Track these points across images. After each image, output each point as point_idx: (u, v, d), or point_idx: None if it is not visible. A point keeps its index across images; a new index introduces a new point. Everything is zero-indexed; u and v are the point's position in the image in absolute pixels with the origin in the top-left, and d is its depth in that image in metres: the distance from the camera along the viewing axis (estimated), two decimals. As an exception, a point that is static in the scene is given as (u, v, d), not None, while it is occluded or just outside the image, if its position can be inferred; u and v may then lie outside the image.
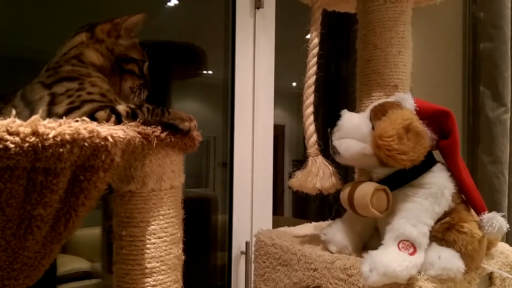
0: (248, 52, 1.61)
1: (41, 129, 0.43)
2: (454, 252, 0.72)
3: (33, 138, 0.43)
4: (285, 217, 2.28)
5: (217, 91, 1.72)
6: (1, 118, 0.43)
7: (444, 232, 0.74)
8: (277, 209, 1.95)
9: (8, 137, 0.41)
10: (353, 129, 0.78)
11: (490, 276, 0.84)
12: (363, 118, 0.80)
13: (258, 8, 1.61)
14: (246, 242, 1.54)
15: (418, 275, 0.70)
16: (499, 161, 1.72)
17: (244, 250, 1.55)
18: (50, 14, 1.28)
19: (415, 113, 0.77)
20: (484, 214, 0.76)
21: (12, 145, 0.41)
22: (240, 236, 1.56)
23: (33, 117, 0.43)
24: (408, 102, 0.78)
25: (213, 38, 1.71)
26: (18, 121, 0.42)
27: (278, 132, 2.05)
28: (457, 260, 0.70)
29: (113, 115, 0.66)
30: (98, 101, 0.70)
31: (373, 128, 0.76)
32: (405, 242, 0.69)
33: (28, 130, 0.42)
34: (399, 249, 0.69)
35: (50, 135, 0.43)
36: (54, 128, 0.44)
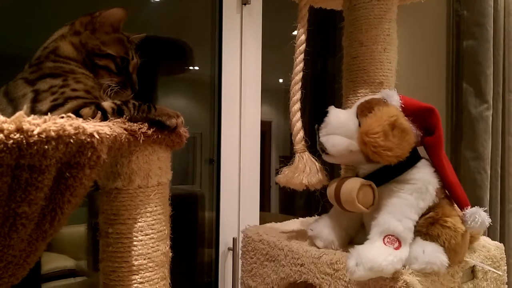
0: (235, 48, 1.60)
1: (26, 126, 0.43)
2: (437, 246, 0.73)
3: (18, 135, 0.42)
4: (272, 213, 2.29)
5: (204, 87, 1.71)
6: None
7: (428, 226, 0.75)
8: (264, 205, 1.96)
9: (-9, 134, 0.40)
10: (340, 126, 0.79)
11: (473, 270, 0.86)
12: (349, 114, 0.80)
13: (245, 4, 1.61)
14: (233, 238, 1.54)
15: (403, 269, 0.71)
16: (481, 157, 1.75)
17: (231, 246, 1.55)
18: (36, 10, 1.26)
19: (400, 110, 0.78)
20: (467, 209, 0.78)
21: (-5, 142, 0.40)
22: (227, 233, 1.57)
23: (17, 114, 0.42)
24: (394, 99, 0.79)
25: (200, 34, 1.71)
26: (2, 118, 0.42)
27: (265, 128, 2.05)
28: (441, 254, 0.72)
29: (98, 112, 0.65)
30: (83, 97, 0.70)
31: (359, 125, 0.77)
32: (390, 236, 0.70)
33: (12, 126, 0.42)
34: (385, 244, 0.70)
35: (35, 132, 0.43)
36: (39, 124, 0.44)
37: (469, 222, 0.76)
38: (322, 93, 2.07)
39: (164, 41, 1.60)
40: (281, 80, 2.28)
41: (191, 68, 1.76)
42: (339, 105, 1.09)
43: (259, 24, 1.66)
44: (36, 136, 0.43)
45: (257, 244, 0.98)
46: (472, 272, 0.86)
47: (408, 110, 0.79)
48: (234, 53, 1.60)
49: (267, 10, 1.69)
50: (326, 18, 1.96)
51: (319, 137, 0.81)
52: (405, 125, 0.73)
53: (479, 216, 0.76)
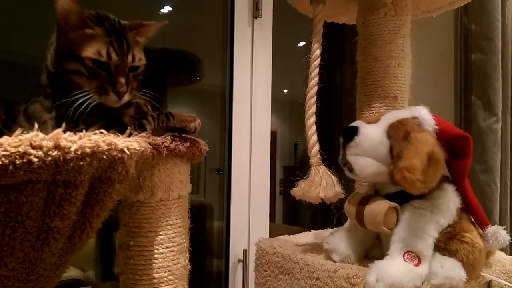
0: (246, 60, 1.62)
1: (63, 143, 0.44)
2: (456, 262, 0.73)
3: (56, 152, 0.43)
4: (276, 224, 2.29)
5: (211, 98, 1.73)
6: (9, 134, 0.43)
7: (446, 241, 0.75)
8: (269, 215, 1.97)
9: (31, 151, 0.41)
10: (371, 148, 0.77)
11: (489, 285, 0.86)
12: (381, 135, 0.77)
13: (256, 17, 1.63)
14: (244, 250, 1.54)
15: (422, 284, 0.71)
16: (490, 170, 1.76)
17: (241, 258, 1.55)
18: (44, 17, 1.28)
19: (435, 135, 0.76)
20: (487, 228, 0.78)
21: (35, 159, 0.41)
22: (237, 244, 1.57)
23: (55, 131, 0.44)
24: (429, 123, 0.76)
25: (211, 46, 1.73)
26: (41, 135, 0.43)
27: (270, 138, 2.07)
28: (459, 270, 0.72)
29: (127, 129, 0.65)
30: (102, 119, 0.69)
31: (391, 148, 0.75)
32: (410, 253, 0.70)
33: (50, 144, 0.43)
34: (405, 260, 0.70)
35: (72, 149, 0.44)
36: (75, 141, 0.45)
37: (490, 242, 0.77)
38: (329, 105, 2.09)
39: (173, 53, 1.62)
40: (285, 91, 2.29)
41: (198, 78, 1.78)
42: (348, 117, 1.10)
43: (269, 37, 1.69)
44: (73, 153, 0.44)
45: (271, 257, 0.98)
46: (488, 287, 0.86)
47: (442, 135, 0.76)
48: (245, 65, 1.62)
49: (273, 23, 1.71)
50: (333, 30, 1.99)
51: (345, 155, 0.79)
52: (440, 155, 0.72)
53: (500, 235, 0.76)
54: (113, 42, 0.70)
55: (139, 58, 0.74)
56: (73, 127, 0.66)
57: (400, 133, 0.74)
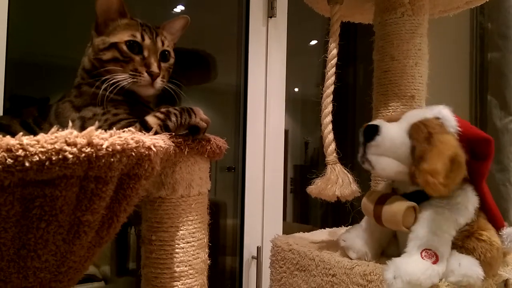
0: (261, 60, 1.64)
1: (96, 140, 0.45)
2: (473, 260, 0.73)
3: (89, 149, 0.45)
4: (287, 222, 2.30)
5: (225, 97, 1.75)
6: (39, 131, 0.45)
7: (463, 239, 0.76)
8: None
9: (67, 147, 0.43)
10: (392, 148, 0.76)
11: (506, 283, 0.86)
12: (402, 135, 0.76)
13: (270, 17, 1.64)
14: (258, 247, 1.56)
15: (439, 281, 0.72)
16: (506, 169, 1.75)
17: (255, 255, 1.57)
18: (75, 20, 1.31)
19: (457, 137, 0.75)
20: (504, 229, 0.78)
21: (70, 156, 0.43)
22: (251, 241, 1.58)
23: (88, 129, 0.45)
24: (451, 124, 0.75)
25: (225, 45, 1.74)
26: (75, 132, 0.45)
27: (283, 137, 2.07)
28: (477, 267, 0.72)
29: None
30: (126, 119, 0.71)
31: (412, 149, 0.75)
32: (428, 251, 0.71)
33: (84, 141, 0.45)
34: (422, 258, 0.70)
35: (104, 146, 0.46)
36: (107, 139, 0.46)
37: (506, 243, 0.77)
38: (342, 104, 2.09)
39: (187, 51, 1.63)
40: (296, 89, 2.30)
41: (213, 77, 1.79)
42: (361, 115, 1.10)
43: (284, 37, 1.70)
44: (104, 149, 0.46)
45: (286, 253, 0.99)
46: (505, 286, 0.86)
47: (464, 137, 0.75)
48: (259, 64, 1.64)
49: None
50: (346, 29, 1.99)
51: (366, 153, 0.79)
52: (462, 159, 0.71)
53: None
54: (145, 30, 0.78)
55: (167, 44, 0.82)
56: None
57: (422, 134, 0.74)
